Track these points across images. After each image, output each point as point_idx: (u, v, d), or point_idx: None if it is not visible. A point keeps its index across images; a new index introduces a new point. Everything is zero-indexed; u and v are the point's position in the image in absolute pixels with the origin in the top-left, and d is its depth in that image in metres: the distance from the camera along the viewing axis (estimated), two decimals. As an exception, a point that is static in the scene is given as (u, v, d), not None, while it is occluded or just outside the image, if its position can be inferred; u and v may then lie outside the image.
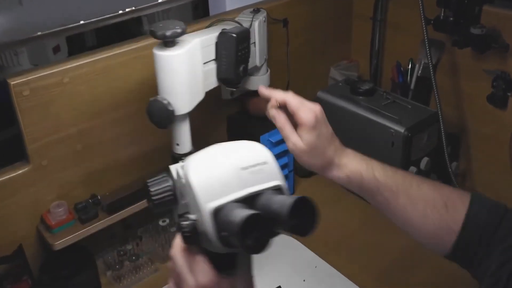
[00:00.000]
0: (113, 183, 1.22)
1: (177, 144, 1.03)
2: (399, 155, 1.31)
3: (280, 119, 0.83)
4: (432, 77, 1.36)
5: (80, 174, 1.17)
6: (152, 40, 1.20)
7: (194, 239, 0.60)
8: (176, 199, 0.76)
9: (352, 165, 0.83)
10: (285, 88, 1.59)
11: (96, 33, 1.66)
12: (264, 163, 0.61)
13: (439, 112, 1.35)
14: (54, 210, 1.10)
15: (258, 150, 0.63)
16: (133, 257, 1.25)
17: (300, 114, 0.81)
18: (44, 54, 1.47)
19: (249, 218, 0.53)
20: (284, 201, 0.55)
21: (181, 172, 0.68)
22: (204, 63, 1.05)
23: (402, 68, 1.54)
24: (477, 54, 1.35)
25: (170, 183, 0.76)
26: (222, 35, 1.03)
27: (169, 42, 0.97)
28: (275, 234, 0.55)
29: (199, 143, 1.05)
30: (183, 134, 1.04)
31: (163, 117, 0.98)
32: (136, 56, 1.21)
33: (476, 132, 1.45)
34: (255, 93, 1.35)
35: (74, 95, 1.14)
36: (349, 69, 1.70)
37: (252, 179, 0.59)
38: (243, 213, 0.53)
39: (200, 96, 1.02)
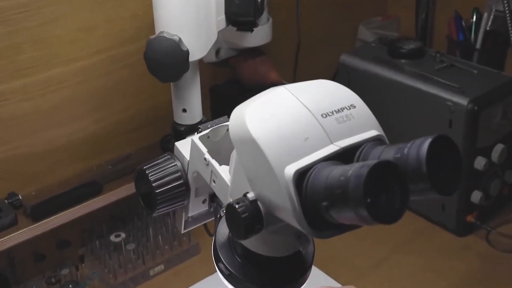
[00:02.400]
0: (43, 177, 1.18)
1: (184, 111, 0.95)
2: (460, 140, 1.24)
3: None
4: (510, 30, 1.29)
5: (-9, 162, 1.13)
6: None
7: (257, 228, 0.59)
8: (188, 190, 0.79)
9: None
10: (295, 51, 1.53)
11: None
12: (352, 106, 0.61)
13: (520, 78, 1.28)
14: (-51, 213, 1.04)
15: (339, 90, 0.63)
16: (70, 286, 1.19)
17: None
18: None
19: (377, 167, 0.49)
20: (414, 145, 0.54)
21: (201, 146, 0.73)
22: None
23: (463, 22, 1.49)
24: None
25: (178, 166, 0.80)
26: None
27: None
28: (407, 195, 0.52)
29: (168, 125, 1.01)
30: (194, 94, 0.95)
31: (175, 63, 0.89)
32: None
33: None
34: (252, 53, 1.37)
35: (-20, 40, 1.07)
36: (386, 28, 1.65)
37: (340, 128, 0.59)
38: (359, 166, 0.51)
39: (213, 37, 0.97)
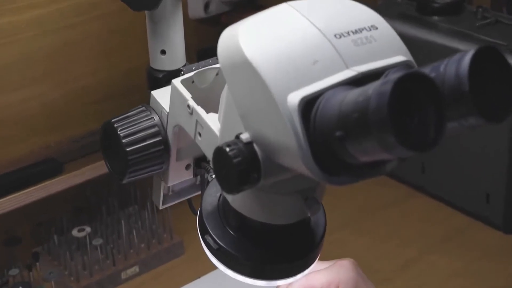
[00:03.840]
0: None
1: (162, 52, 0.93)
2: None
3: None
4: None
5: None
6: None
7: (253, 177, 0.59)
8: (168, 150, 0.80)
9: None
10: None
11: None
12: (373, 27, 0.61)
13: None
14: None
15: (357, 8, 0.63)
16: (20, 288, 1.16)
17: None
18: None
19: (405, 80, 0.49)
20: (452, 60, 0.54)
21: (183, 91, 0.75)
22: None
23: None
24: None
25: (155, 119, 0.81)
26: None
27: None
28: (443, 119, 0.51)
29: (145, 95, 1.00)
30: (175, 31, 0.92)
31: None
32: None
33: None
34: (248, 7, 1.37)
35: None
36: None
37: (358, 52, 0.59)
38: (382, 82, 0.50)
39: None
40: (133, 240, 1.25)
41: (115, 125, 0.79)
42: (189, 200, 0.87)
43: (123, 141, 0.78)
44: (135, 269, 1.24)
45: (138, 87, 1.14)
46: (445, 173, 1.35)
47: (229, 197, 0.67)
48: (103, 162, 1.13)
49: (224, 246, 0.69)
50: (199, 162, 0.83)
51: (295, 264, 0.69)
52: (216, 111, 0.70)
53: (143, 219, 1.27)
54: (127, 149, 0.78)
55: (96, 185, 1.25)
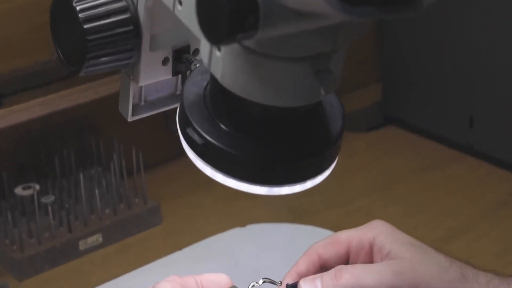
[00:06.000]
0: None
1: None
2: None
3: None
4: None
5: None
6: None
7: (248, 22, 0.58)
8: (139, 35, 0.80)
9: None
10: None
11: None
12: None
13: None
14: None
15: None
16: None
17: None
18: None
19: None
20: None
21: None
22: None
23: None
24: None
25: None
26: None
27: None
28: None
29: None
30: None
31: None
32: None
33: None
34: None
35: None
36: None
37: None
38: None
39: None
40: (95, 204, 1.26)
41: None
42: (165, 114, 0.86)
43: (80, 15, 0.76)
44: (97, 238, 1.26)
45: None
46: (499, 126, 1.36)
47: (218, 73, 0.65)
48: (53, 97, 1.08)
49: (211, 140, 0.68)
50: (180, 55, 0.82)
51: (306, 164, 0.68)
52: None
53: (108, 180, 1.28)
54: (85, 26, 0.76)
55: (47, 133, 1.25)
